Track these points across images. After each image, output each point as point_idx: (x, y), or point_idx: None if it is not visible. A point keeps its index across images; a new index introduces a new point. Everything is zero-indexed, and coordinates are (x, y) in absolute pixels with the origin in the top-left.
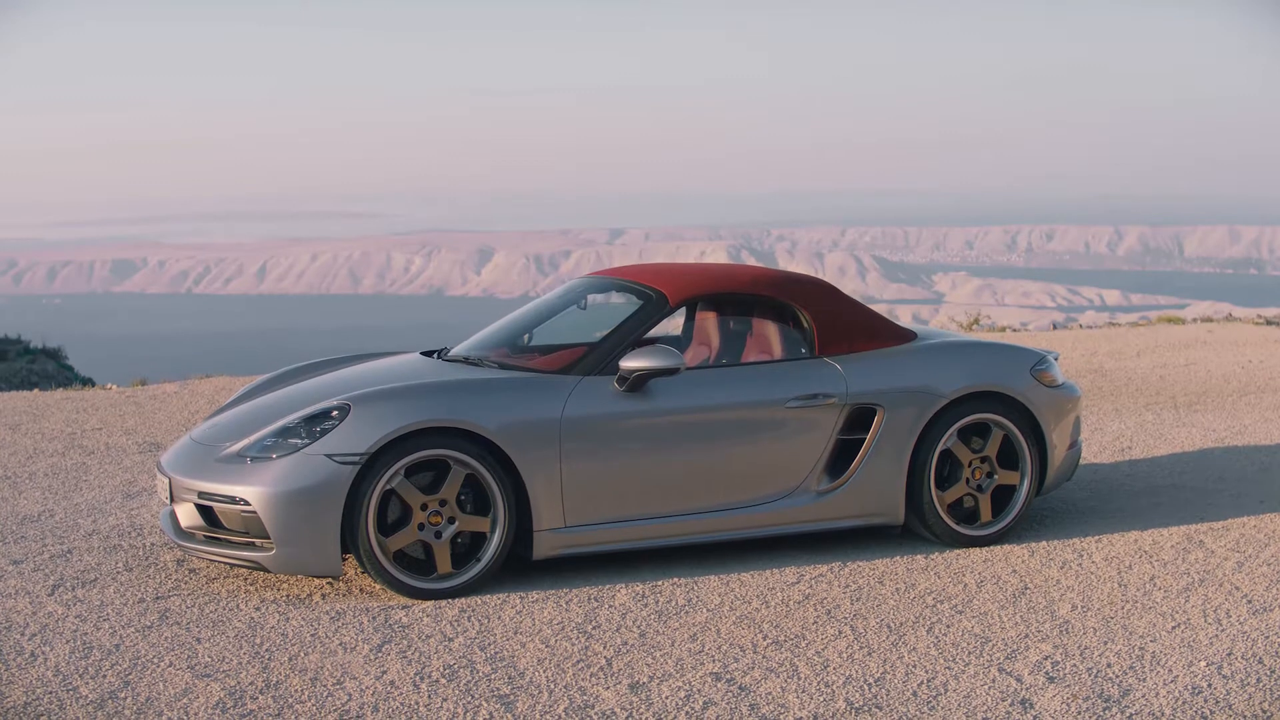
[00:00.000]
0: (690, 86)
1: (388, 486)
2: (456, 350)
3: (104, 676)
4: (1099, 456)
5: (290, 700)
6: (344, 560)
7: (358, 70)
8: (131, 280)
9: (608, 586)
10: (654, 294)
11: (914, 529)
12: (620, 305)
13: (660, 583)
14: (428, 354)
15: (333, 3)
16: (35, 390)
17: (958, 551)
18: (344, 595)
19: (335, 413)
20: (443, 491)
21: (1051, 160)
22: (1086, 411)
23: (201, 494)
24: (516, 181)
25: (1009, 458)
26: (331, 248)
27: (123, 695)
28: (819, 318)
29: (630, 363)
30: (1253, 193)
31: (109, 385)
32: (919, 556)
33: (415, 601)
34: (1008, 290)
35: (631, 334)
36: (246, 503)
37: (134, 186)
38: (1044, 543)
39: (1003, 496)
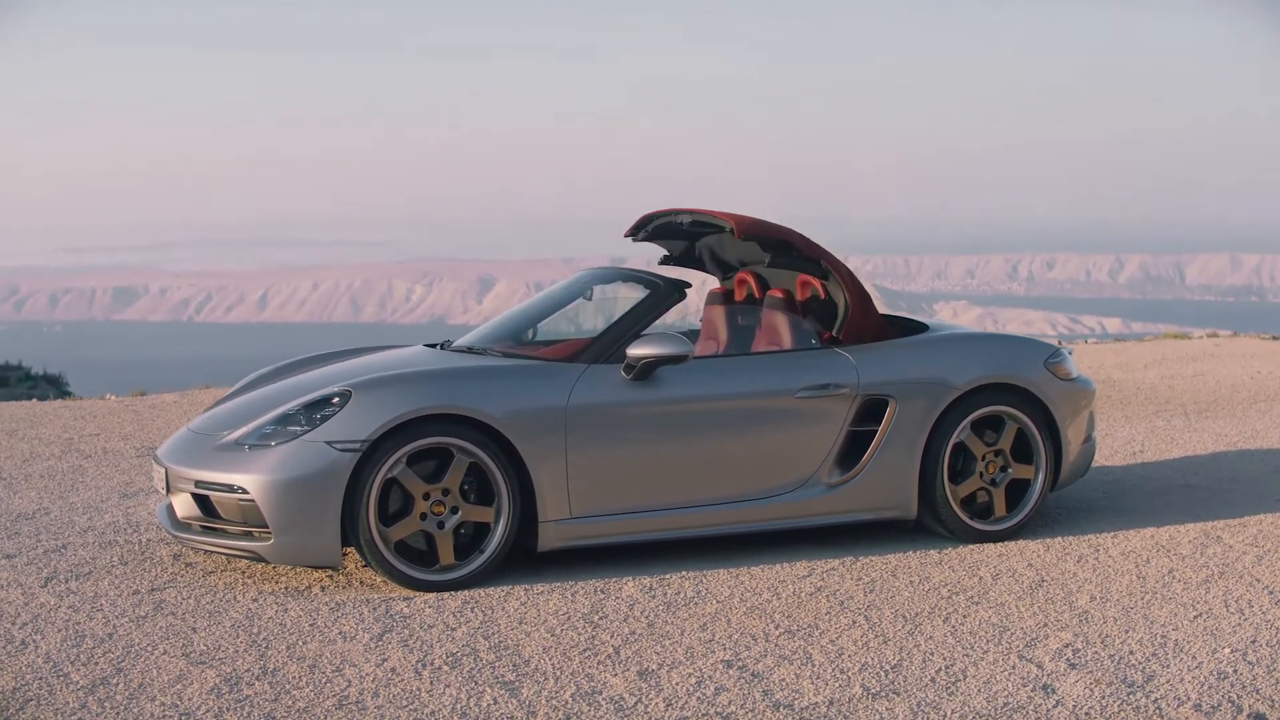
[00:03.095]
0: (689, 113)
1: (389, 475)
2: (460, 341)
3: (96, 664)
4: (1111, 459)
5: (287, 686)
6: (344, 555)
7: (359, 97)
8: (133, 307)
9: (614, 579)
10: (661, 283)
11: (927, 524)
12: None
13: (668, 576)
14: (431, 346)
15: (333, 29)
16: (34, 400)
17: (971, 546)
18: (344, 587)
19: (336, 399)
20: (445, 480)
21: (1053, 188)
22: (1096, 418)
23: (198, 483)
24: (518, 209)
25: (1023, 451)
26: (333, 275)
27: (114, 681)
28: (854, 300)
29: (637, 350)
30: (1255, 219)
31: (107, 396)
32: (932, 551)
33: (417, 593)
34: (1009, 319)
35: (639, 321)
36: (244, 491)
37: (136, 213)
38: (1059, 538)
39: (1017, 491)
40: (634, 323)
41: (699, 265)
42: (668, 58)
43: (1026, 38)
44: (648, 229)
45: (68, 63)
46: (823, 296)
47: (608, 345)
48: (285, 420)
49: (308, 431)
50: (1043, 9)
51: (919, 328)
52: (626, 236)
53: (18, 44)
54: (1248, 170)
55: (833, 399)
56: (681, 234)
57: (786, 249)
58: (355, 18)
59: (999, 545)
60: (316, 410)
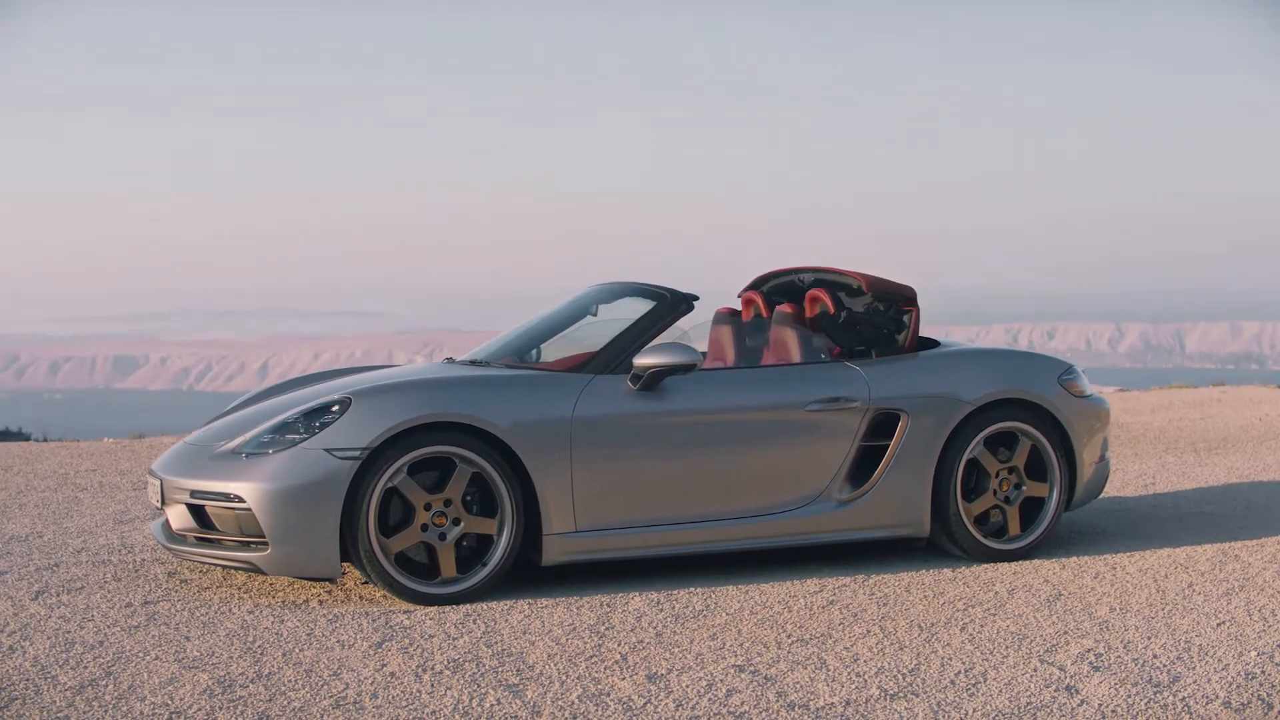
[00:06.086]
0: (684, 184)
1: (390, 484)
2: (465, 356)
3: (85, 667)
4: (1123, 490)
5: (283, 688)
6: (344, 570)
7: (358, 169)
8: (133, 376)
9: (621, 594)
10: (668, 295)
11: (939, 543)
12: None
13: (676, 591)
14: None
15: (333, 102)
16: (30, 441)
17: (985, 565)
18: (342, 601)
19: (335, 407)
20: (447, 491)
21: (1053, 258)
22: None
23: (194, 493)
24: (517, 281)
25: (1037, 469)
26: (334, 345)
27: (104, 683)
28: (912, 343)
29: (644, 360)
30: (1254, 286)
31: (104, 439)
32: (945, 570)
33: (417, 606)
34: None
35: (646, 332)
36: (240, 500)
37: (136, 282)
38: (1074, 557)
39: (1031, 509)
40: (641, 333)
41: None
42: (672, 135)
43: (1027, 110)
44: (764, 289)
45: (70, 130)
46: (832, 311)
47: (614, 356)
48: (283, 428)
49: (306, 439)
50: (1043, 83)
51: (930, 343)
52: (740, 297)
53: (22, 109)
54: (1247, 238)
55: (844, 412)
56: (798, 293)
57: (897, 301)
58: (359, 89)
59: (1013, 564)
60: (316, 418)
